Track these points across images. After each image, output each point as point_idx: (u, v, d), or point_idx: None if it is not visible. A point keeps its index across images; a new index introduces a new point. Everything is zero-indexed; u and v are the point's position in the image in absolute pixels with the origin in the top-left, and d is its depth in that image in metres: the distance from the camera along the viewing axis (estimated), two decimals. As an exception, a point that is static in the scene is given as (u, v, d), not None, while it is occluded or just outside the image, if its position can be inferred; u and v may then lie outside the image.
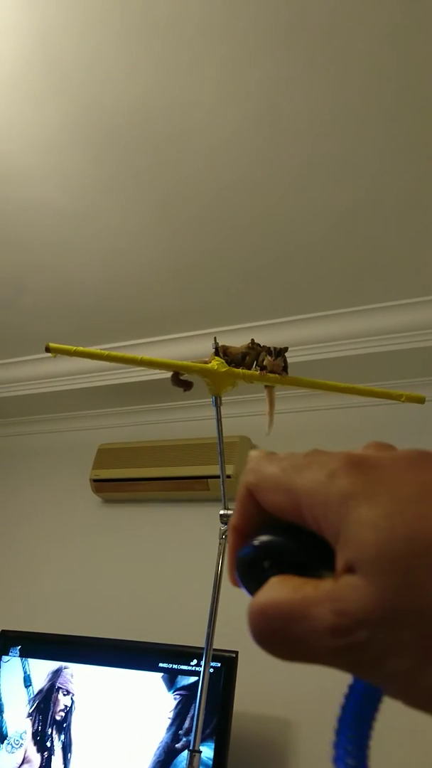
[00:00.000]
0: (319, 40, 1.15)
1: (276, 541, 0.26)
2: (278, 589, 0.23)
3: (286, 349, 0.97)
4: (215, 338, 0.91)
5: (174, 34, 1.18)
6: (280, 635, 0.22)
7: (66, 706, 1.53)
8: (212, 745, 1.33)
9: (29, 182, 1.53)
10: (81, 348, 0.85)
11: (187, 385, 0.90)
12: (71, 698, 1.54)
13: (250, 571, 0.26)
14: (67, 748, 1.47)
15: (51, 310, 1.99)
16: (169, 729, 1.40)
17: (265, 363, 0.90)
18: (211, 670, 1.36)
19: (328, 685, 1.52)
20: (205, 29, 1.17)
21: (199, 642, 1.10)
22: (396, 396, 0.90)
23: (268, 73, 1.22)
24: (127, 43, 1.21)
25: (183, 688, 1.44)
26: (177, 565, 1.90)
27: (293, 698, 1.54)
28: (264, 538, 0.26)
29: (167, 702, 1.44)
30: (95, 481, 2.08)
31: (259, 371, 0.90)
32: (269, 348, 0.92)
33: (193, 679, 1.44)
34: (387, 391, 0.92)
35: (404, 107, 1.24)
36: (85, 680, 1.56)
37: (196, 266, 1.71)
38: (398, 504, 0.21)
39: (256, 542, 0.26)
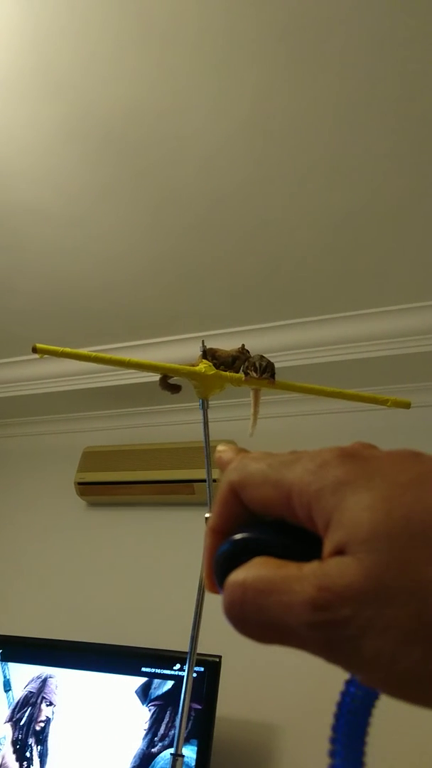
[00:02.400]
0: (314, 47, 1.16)
1: (259, 534, 0.25)
2: (259, 566, 0.23)
3: (271, 368, 0.97)
4: (203, 341, 0.91)
5: (170, 39, 1.19)
6: (255, 609, 0.22)
7: (47, 717, 1.51)
8: (195, 748, 1.32)
9: (22, 185, 1.53)
10: (68, 349, 0.85)
11: (175, 389, 0.90)
12: (53, 710, 1.52)
13: (231, 567, 0.24)
14: (43, 758, 1.46)
15: (39, 313, 1.98)
16: (144, 737, 1.39)
17: (249, 371, 0.91)
18: (194, 675, 1.36)
19: (311, 691, 1.53)
20: (201, 35, 1.18)
21: (184, 646, 1.10)
22: (382, 400, 0.91)
23: (263, 79, 1.23)
24: (122, 47, 1.21)
25: (157, 698, 1.43)
26: (161, 569, 1.89)
27: (276, 703, 1.53)
28: (245, 532, 0.25)
29: (142, 714, 1.43)
30: (80, 484, 2.07)
31: (245, 377, 0.91)
32: (255, 364, 0.93)
33: (168, 686, 1.44)
34: (373, 395, 0.93)
35: (399, 114, 1.25)
36: (65, 685, 1.55)
37: (188, 270, 1.71)
38: (395, 488, 0.21)
39: (237, 536, 0.25)
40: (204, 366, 0.86)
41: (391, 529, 0.20)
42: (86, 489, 2.07)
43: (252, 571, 0.22)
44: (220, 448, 0.29)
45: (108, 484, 2.03)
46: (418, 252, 1.54)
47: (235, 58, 1.20)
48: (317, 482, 0.22)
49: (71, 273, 1.79)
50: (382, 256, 1.56)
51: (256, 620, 0.22)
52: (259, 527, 0.25)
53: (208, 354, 0.89)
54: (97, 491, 2.06)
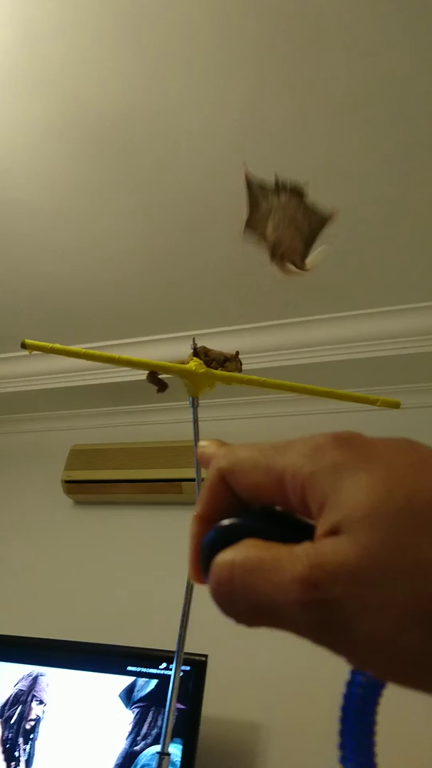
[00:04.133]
0: (310, 48, 1.17)
1: (248, 520, 0.24)
2: (248, 547, 0.22)
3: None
4: (194, 339, 0.91)
5: (164, 38, 1.19)
6: (243, 588, 0.21)
7: (37, 716, 1.50)
8: (180, 747, 1.32)
9: (12, 183, 1.52)
10: (58, 345, 0.85)
11: (162, 385, 0.90)
12: (43, 708, 1.51)
13: (214, 556, 0.23)
14: (30, 758, 1.45)
15: (28, 311, 1.96)
16: (128, 737, 1.39)
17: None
18: (188, 670, 1.36)
19: (296, 691, 1.53)
20: (194, 34, 1.17)
21: (170, 645, 1.10)
22: (372, 400, 0.91)
23: (258, 78, 1.23)
24: (116, 46, 1.21)
25: (141, 699, 1.43)
26: (148, 568, 1.89)
27: (261, 703, 1.54)
28: (234, 518, 0.24)
29: (126, 715, 1.42)
30: (67, 482, 2.06)
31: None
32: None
33: (151, 686, 1.43)
34: (363, 395, 0.93)
35: (388, 117, 1.26)
36: (53, 684, 1.54)
37: (181, 269, 1.71)
38: (395, 471, 0.20)
39: (225, 522, 0.24)
40: (195, 364, 0.86)
41: (390, 509, 0.19)
42: (73, 487, 2.06)
43: (241, 551, 0.22)
44: (202, 443, 0.28)
45: (95, 483, 2.02)
46: (409, 254, 1.54)
47: (230, 57, 1.20)
48: (312, 465, 0.22)
49: (61, 271, 1.78)
50: (374, 258, 1.57)
51: (244, 600, 0.21)
52: (248, 514, 0.25)
53: (200, 352, 0.89)
54: (84, 489, 2.05)
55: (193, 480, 1.82)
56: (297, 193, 0.92)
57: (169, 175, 1.44)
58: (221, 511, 0.25)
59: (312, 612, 0.19)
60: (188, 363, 0.87)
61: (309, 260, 0.96)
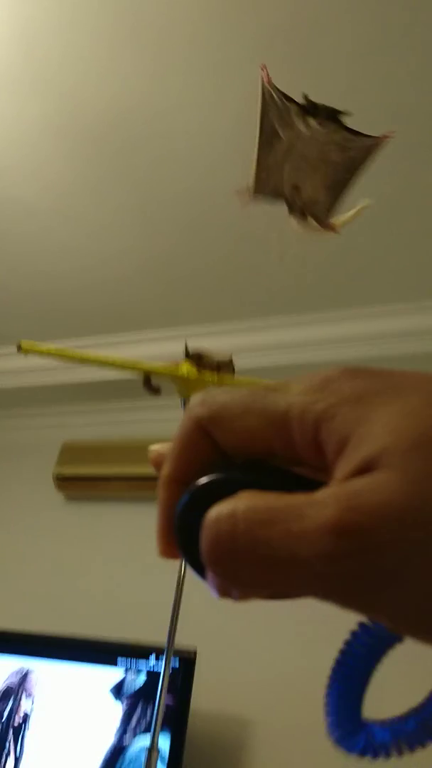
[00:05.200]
0: (309, 46, 1.18)
1: (238, 474, 0.20)
2: (249, 497, 0.18)
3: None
4: (186, 343, 0.92)
5: (161, 37, 1.20)
6: (250, 544, 0.17)
7: (26, 712, 1.52)
8: (168, 741, 1.34)
9: (9, 181, 1.53)
10: (53, 349, 0.86)
11: (155, 391, 0.92)
12: (32, 704, 1.53)
13: (197, 521, 0.19)
14: (19, 753, 1.47)
15: (22, 307, 1.97)
16: (117, 731, 1.41)
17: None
18: (177, 666, 1.38)
19: (283, 685, 1.55)
20: (193, 33, 1.19)
21: (161, 639, 1.12)
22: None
23: (254, 78, 1.24)
24: (113, 44, 1.22)
25: (131, 694, 1.45)
26: (139, 563, 1.91)
27: (250, 697, 1.56)
28: (220, 474, 0.20)
29: (116, 709, 1.45)
30: (58, 478, 2.07)
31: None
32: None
33: (141, 681, 1.46)
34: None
35: (388, 117, 1.28)
36: (42, 678, 1.56)
37: (176, 267, 1.72)
38: (430, 396, 0.18)
39: (207, 479, 0.20)
40: (187, 368, 0.88)
41: None
42: (65, 483, 2.07)
43: (242, 502, 0.18)
44: (154, 447, 0.24)
45: (87, 479, 2.03)
46: (409, 252, 1.57)
47: (228, 56, 1.21)
48: (327, 398, 0.19)
49: (58, 269, 1.79)
50: (372, 256, 1.59)
51: (251, 560, 0.17)
52: (233, 468, 0.21)
53: (193, 356, 0.90)
54: (75, 485, 2.07)
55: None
56: (332, 118, 0.71)
57: (167, 174, 1.45)
58: (197, 470, 0.21)
59: (344, 565, 0.16)
60: (181, 365, 0.89)
61: (339, 218, 0.76)
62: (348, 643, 0.24)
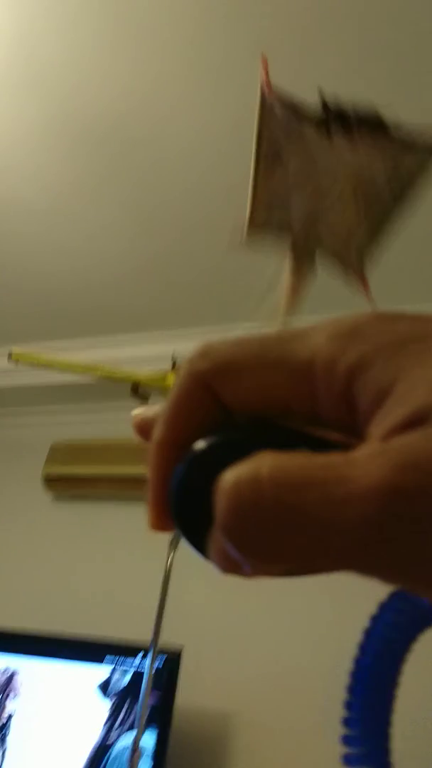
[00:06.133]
0: (295, 50, 1.20)
1: (247, 434, 0.18)
2: (273, 457, 0.16)
3: None
4: (173, 356, 0.95)
5: (159, 39, 1.22)
6: (279, 510, 0.15)
7: (11, 712, 1.54)
8: (153, 737, 1.37)
9: (5, 181, 1.54)
10: (45, 359, 0.89)
11: (143, 398, 0.94)
12: (18, 700, 1.55)
13: (200, 488, 0.17)
14: (4, 753, 1.49)
15: (15, 307, 1.99)
16: (102, 728, 1.44)
17: None
18: (161, 665, 1.41)
19: (267, 682, 1.59)
20: (191, 35, 1.21)
21: (148, 638, 1.15)
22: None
23: (246, 80, 1.26)
24: (111, 46, 1.24)
25: (118, 692, 1.48)
26: (127, 563, 1.93)
27: (234, 693, 1.60)
28: (226, 435, 0.18)
29: (102, 707, 1.47)
30: (47, 477, 2.09)
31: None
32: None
33: (128, 678, 1.49)
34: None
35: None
36: (28, 676, 1.59)
37: (173, 268, 1.75)
38: None
39: (210, 442, 0.18)
40: (173, 379, 0.91)
41: None
42: (53, 483, 2.09)
43: (267, 463, 0.16)
44: (136, 411, 0.22)
45: (76, 478, 2.06)
46: (404, 255, 1.60)
47: (228, 59, 1.23)
48: (361, 346, 0.16)
49: (54, 269, 1.81)
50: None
51: (278, 528, 0.15)
52: (239, 429, 0.18)
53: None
54: (64, 485, 2.09)
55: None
56: (369, 127, 0.50)
57: (165, 175, 1.48)
58: (195, 433, 0.19)
59: (396, 531, 0.14)
60: (168, 376, 0.92)
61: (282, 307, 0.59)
62: (374, 630, 0.19)
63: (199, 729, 1.58)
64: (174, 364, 0.95)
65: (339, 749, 1.44)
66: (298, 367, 0.17)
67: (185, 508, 0.18)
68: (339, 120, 0.53)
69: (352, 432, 0.17)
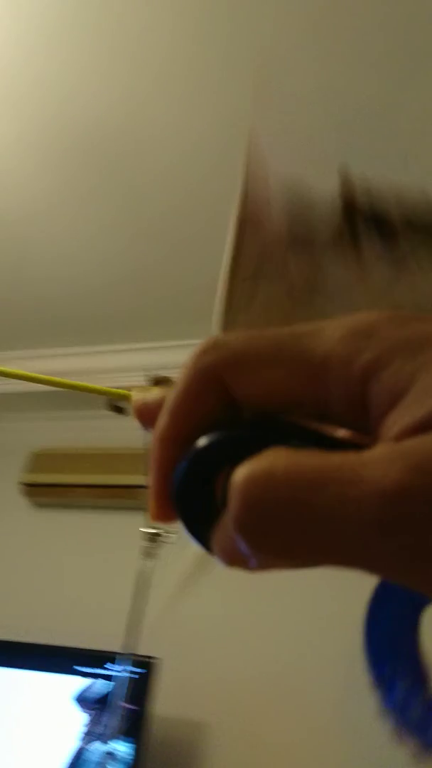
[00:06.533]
0: (291, 64, 1.22)
1: (256, 430, 0.18)
2: (288, 455, 0.16)
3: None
4: (148, 372, 0.96)
5: (146, 54, 1.23)
6: (291, 508, 0.15)
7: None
8: (130, 747, 1.38)
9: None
10: (21, 372, 0.89)
11: (119, 411, 0.95)
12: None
13: (206, 483, 0.18)
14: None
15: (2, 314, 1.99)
16: (77, 739, 1.44)
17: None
18: (136, 676, 1.41)
19: (243, 692, 1.60)
20: (169, 49, 1.22)
21: (122, 647, 1.15)
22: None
23: (228, 95, 1.28)
24: (91, 56, 1.25)
25: (93, 701, 1.48)
26: (105, 572, 1.93)
27: (209, 703, 1.60)
28: (233, 430, 0.18)
29: (77, 716, 1.47)
30: (26, 485, 2.09)
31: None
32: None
33: (104, 687, 1.49)
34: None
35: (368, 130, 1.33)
36: (1, 685, 1.58)
37: (148, 276, 1.76)
38: None
39: (217, 437, 0.18)
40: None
41: None
42: (32, 490, 2.09)
43: (281, 460, 0.16)
44: (138, 396, 0.22)
45: (54, 486, 2.05)
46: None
47: (216, 74, 1.25)
48: (377, 346, 0.17)
49: (39, 277, 1.81)
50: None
51: (290, 525, 0.15)
52: (246, 424, 0.18)
53: (158, 382, 0.93)
54: (42, 492, 2.09)
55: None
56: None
57: (151, 191, 1.50)
58: (200, 426, 0.19)
59: (410, 532, 0.14)
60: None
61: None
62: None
63: (175, 738, 1.58)
64: (150, 379, 0.96)
65: (315, 757, 1.45)
66: (312, 365, 0.17)
67: (190, 501, 0.18)
68: (373, 225, 0.34)
69: (363, 430, 0.17)
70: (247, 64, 1.21)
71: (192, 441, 0.18)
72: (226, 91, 1.27)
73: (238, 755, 1.53)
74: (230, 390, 0.18)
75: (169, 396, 0.19)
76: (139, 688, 1.43)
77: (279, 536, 0.16)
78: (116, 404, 0.96)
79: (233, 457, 0.17)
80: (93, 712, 1.46)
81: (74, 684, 1.51)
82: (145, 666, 1.46)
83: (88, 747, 1.42)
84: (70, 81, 1.29)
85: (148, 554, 1.11)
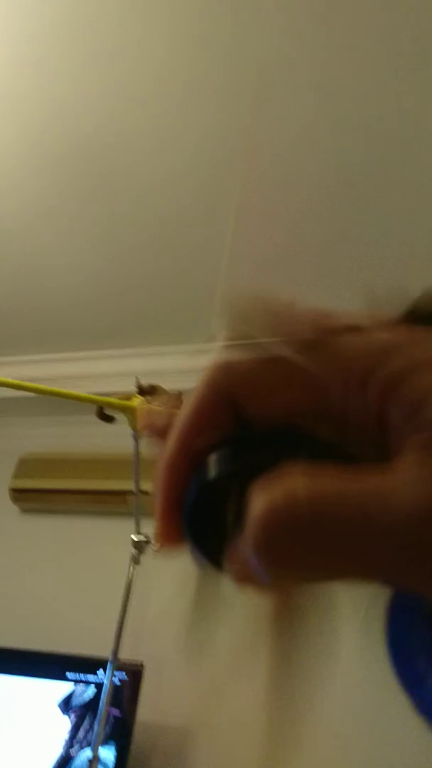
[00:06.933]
0: (255, 97, 1.25)
1: (269, 446, 0.17)
2: (308, 475, 0.16)
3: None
4: (137, 378, 0.98)
5: (134, 63, 1.25)
6: (317, 531, 0.15)
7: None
8: (113, 752, 1.38)
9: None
10: (8, 380, 0.91)
11: (108, 420, 0.97)
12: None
13: (219, 502, 0.17)
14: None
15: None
16: (64, 744, 1.45)
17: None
18: (118, 682, 1.42)
19: (226, 699, 1.61)
20: (165, 62, 1.24)
21: (110, 653, 1.16)
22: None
23: (222, 110, 1.31)
24: (85, 68, 1.27)
25: (79, 706, 1.49)
26: (93, 577, 1.94)
27: (193, 710, 1.61)
28: (244, 447, 0.17)
29: (63, 722, 1.48)
30: (14, 490, 2.09)
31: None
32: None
33: (90, 694, 1.49)
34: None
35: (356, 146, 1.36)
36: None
37: (130, 289, 1.78)
38: None
39: (229, 454, 0.17)
40: (138, 401, 0.93)
41: None
42: (20, 495, 2.09)
43: (301, 482, 0.15)
44: (143, 408, 0.21)
45: (43, 492, 2.06)
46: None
47: (196, 88, 1.27)
48: (397, 360, 0.17)
49: (25, 287, 1.83)
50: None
51: (313, 548, 0.15)
52: (258, 439, 0.18)
53: (146, 391, 0.95)
54: (31, 498, 2.09)
55: (142, 492, 1.89)
56: None
57: (122, 200, 1.52)
58: (208, 444, 0.18)
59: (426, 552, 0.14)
60: (132, 399, 0.94)
61: None
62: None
63: (159, 744, 1.59)
64: (139, 389, 0.97)
65: (298, 763, 1.47)
66: (328, 382, 0.17)
67: (201, 525, 0.18)
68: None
69: (380, 443, 0.17)
70: (241, 81, 1.24)
71: (201, 457, 0.18)
72: (219, 104, 1.29)
73: (221, 762, 1.54)
74: (243, 407, 0.18)
75: (180, 417, 0.19)
76: (125, 694, 1.44)
77: (301, 560, 0.15)
78: (105, 413, 0.97)
79: (245, 475, 0.16)
80: (78, 717, 1.47)
81: (61, 690, 1.52)
82: (132, 672, 1.46)
83: (73, 752, 1.42)
84: (65, 93, 1.31)
85: (136, 561, 1.12)
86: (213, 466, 0.17)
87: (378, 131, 1.26)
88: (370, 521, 0.14)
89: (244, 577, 0.17)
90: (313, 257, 1.57)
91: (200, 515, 0.17)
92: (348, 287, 1.62)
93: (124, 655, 1.26)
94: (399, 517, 0.14)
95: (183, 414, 0.19)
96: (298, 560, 0.15)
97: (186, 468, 0.18)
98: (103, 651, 1.46)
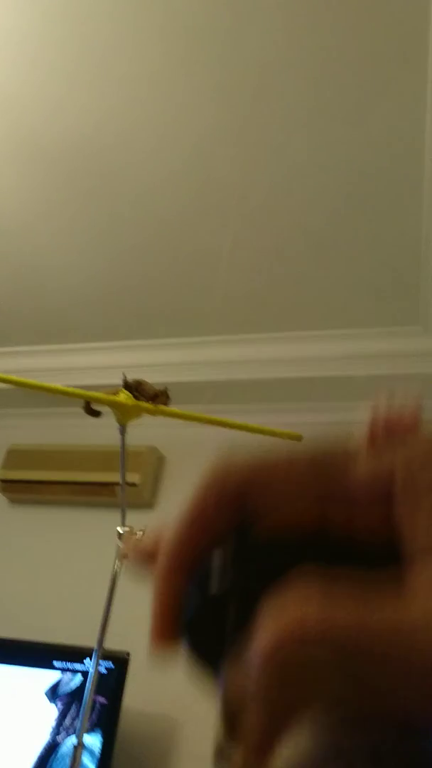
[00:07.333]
0: (253, 97, 1.26)
1: (273, 557, 0.16)
2: (321, 602, 0.14)
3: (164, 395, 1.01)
4: (124, 373, 0.99)
5: (130, 66, 1.26)
6: (330, 663, 0.14)
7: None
8: (100, 739, 1.41)
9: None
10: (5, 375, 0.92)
11: (95, 414, 0.98)
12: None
13: (221, 612, 0.16)
14: None
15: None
16: (51, 731, 1.47)
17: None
18: (105, 670, 1.44)
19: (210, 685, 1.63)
20: (160, 65, 1.25)
21: (96, 642, 1.18)
22: (277, 433, 1.02)
23: (210, 119, 1.32)
24: (78, 77, 1.28)
25: (66, 694, 1.51)
26: (80, 567, 1.95)
27: (178, 699, 1.64)
28: (251, 547, 0.17)
29: (51, 710, 1.50)
30: (3, 481, 2.10)
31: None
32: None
33: (77, 682, 1.52)
34: (270, 429, 1.04)
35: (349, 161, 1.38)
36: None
37: (129, 288, 1.80)
38: None
39: (233, 557, 0.17)
40: (125, 396, 0.95)
41: None
42: (9, 486, 2.10)
43: (313, 610, 0.14)
44: (129, 534, 0.21)
45: (31, 483, 2.07)
46: (337, 284, 1.68)
47: (185, 91, 1.28)
48: (405, 451, 0.16)
49: (22, 285, 1.84)
50: (301, 284, 1.70)
51: (320, 679, 0.14)
52: (265, 547, 0.17)
53: (132, 386, 0.97)
54: (19, 489, 2.10)
55: (129, 484, 1.91)
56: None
57: (124, 203, 1.53)
58: (210, 543, 0.18)
59: None
60: (118, 394, 0.96)
61: None
62: None
63: (145, 732, 1.61)
64: (125, 383, 0.99)
65: (284, 753, 1.49)
66: (339, 488, 0.17)
67: (202, 634, 0.17)
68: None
69: (389, 545, 0.16)
70: (240, 81, 1.25)
71: (200, 563, 0.17)
72: (219, 104, 1.30)
73: (206, 750, 1.56)
74: (248, 508, 0.17)
75: (181, 522, 0.18)
76: (111, 683, 1.46)
77: (304, 691, 0.14)
78: (92, 408, 0.99)
79: (248, 585, 0.16)
80: (65, 705, 1.49)
81: (48, 678, 1.54)
82: (118, 661, 1.49)
83: (60, 739, 1.45)
84: (64, 93, 1.31)
85: (122, 553, 1.14)
86: (215, 579, 0.17)
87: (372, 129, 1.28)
88: (387, 647, 0.13)
89: (242, 692, 0.16)
90: (313, 257, 1.59)
91: (203, 629, 0.17)
92: (348, 287, 1.64)
93: (113, 644, 1.28)
94: (417, 637, 0.13)
95: (186, 511, 0.18)
96: (305, 690, 0.14)
97: (187, 567, 0.18)
98: (91, 641, 1.48)
